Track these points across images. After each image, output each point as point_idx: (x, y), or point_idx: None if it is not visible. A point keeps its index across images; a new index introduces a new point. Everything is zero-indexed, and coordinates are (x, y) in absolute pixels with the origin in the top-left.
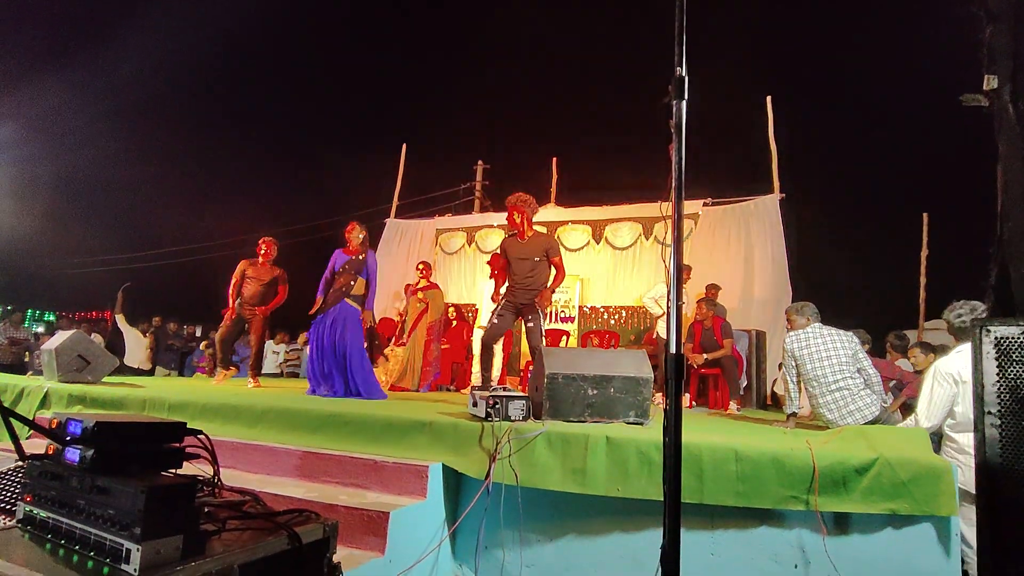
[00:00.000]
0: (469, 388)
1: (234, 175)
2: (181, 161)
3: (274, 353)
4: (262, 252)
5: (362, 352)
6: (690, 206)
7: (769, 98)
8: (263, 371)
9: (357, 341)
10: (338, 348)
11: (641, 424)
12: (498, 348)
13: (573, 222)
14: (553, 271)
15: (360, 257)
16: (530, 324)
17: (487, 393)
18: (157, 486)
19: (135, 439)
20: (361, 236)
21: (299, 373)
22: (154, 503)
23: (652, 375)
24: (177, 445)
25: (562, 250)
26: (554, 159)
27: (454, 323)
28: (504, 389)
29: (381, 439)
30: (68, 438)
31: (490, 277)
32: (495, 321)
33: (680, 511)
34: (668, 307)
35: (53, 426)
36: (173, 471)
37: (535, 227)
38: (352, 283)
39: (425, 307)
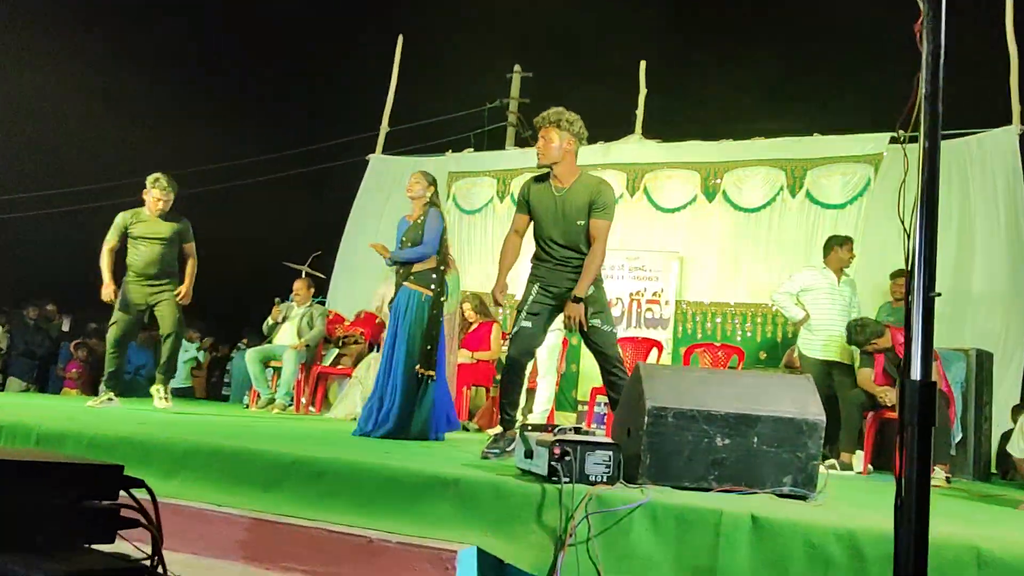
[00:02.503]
0: (519, 428)
1: (137, 78)
2: (61, 61)
3: (185, 359)
4: (152, 197)
5: (421, 356)
6: (860, 142)
7: None
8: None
9: (423, 340)
10: (395, 355)
11: (805, 498)
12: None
13: (670, 165)
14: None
15: (420, 220)
16: (594, 322)
17: (550, 437)
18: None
19: (43, 489)
20: (419, 189)
21: (227, 393)
22: None
23: (823, 417)
24: (110, 503)
25: (654, 212)
26: (641, 64)
27: (474, 324)
28: (576, 431)
29: (378, 504)
30: None
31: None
32: (524, 324)
33: None
34: (911, 302)
35: None
36: (103, 546)
37: (584, 172)
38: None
39: None
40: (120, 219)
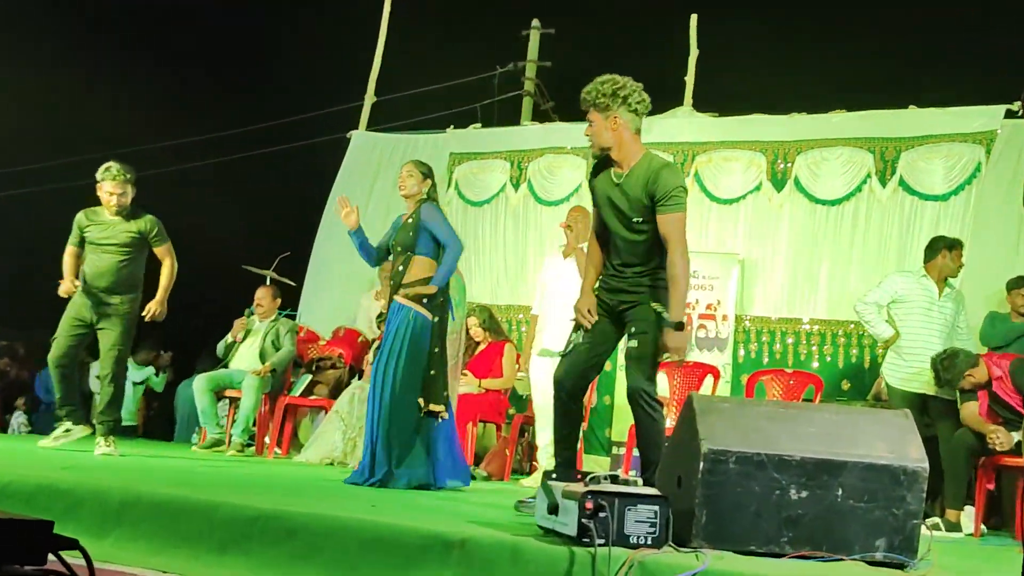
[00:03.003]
0: (535, 476)
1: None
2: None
3: (135, 384)
4: (105, 192)
5: (421, 387)
6: (968, 117)
7: None
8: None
9: (423, 367)
10: (384, 385)
11: (903, 567)
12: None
13: (728, 145)
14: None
15: (411, 220)
16: (632, 344)
17: (580, 487)
18: None
19: None
20: (413, 185)
21: (193, 436)
22: None
23: (926, 464)
24: (35, 570)
25: (708, 203)
26: (691, 18)
27: (481, 344)
28: (612, 479)
29: (363, 570)
30: None
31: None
32: (575, 340)
33: None
34: None
35: None
36: None
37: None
38: (401, 267)
39: None
40: (77, 219)
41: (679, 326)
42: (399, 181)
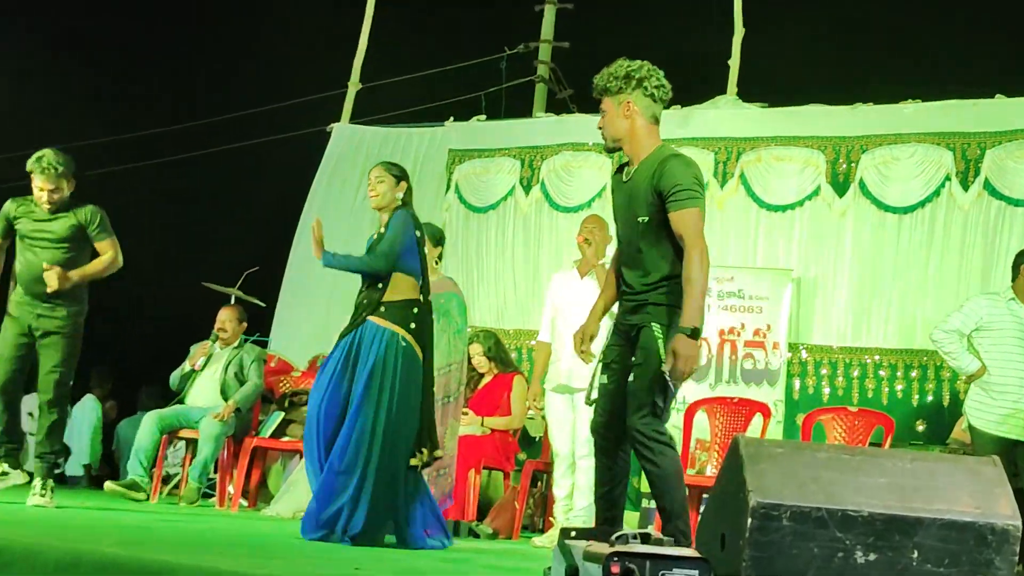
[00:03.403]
0: (551, 534)
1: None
2: None
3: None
4: (39, 187)
5: (409, 428)
6: None
7: None
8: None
9: (394, 401)
10: (375, 424)
11: None
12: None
13: (780, 141)
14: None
15: (381, 231)
16: (633, 369)
17: (603, 548)
18: None
19: None
20: (385, 191)
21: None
22: None
23: (1019, 522)
24: None
25: (756, 209)
26: None
27: (486, 376)
28: (643, 538)
29: None
30: None
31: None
32: (601, 380)
33: None
34: None
35: None
36: None
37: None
38: (380, 282)
39: None
40: (5, 208)
41: (694, 333)
42: (369, 189)
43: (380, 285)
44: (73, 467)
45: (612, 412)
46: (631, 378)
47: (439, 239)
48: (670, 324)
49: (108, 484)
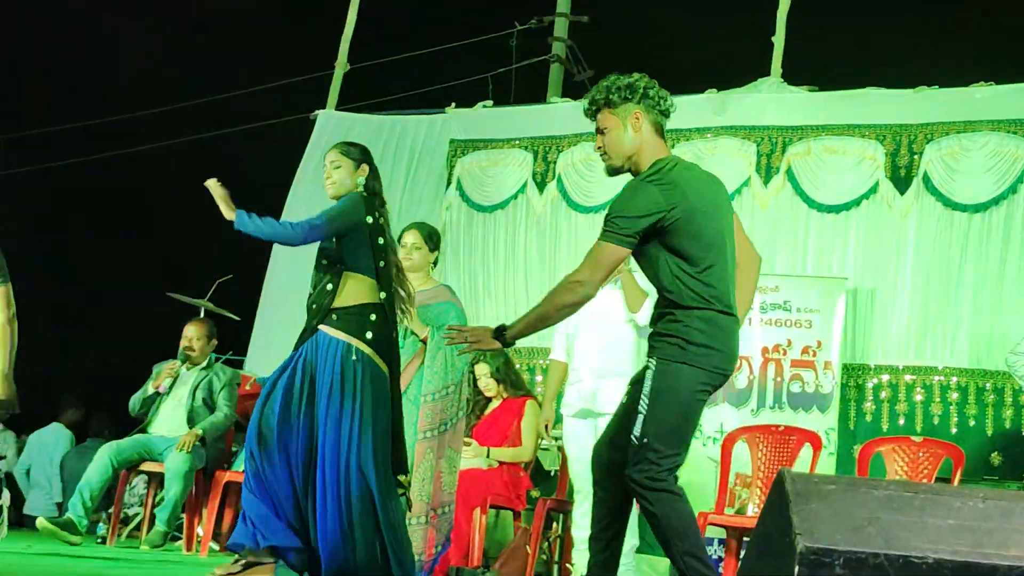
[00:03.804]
0: None
1: None
2: None
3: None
4: None
5: (372, 457)
6: None
7: None
8: None
9: (363, 425)
10: (299, 447)
11: None
12: None
13: (833, 130)
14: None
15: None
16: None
17: None
18: None
19: None
20: (343, 176)
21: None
22: None
23: None
24: None
25: (805, 209)
26: None
27: (495, 400)
28: None
29: None
30: None
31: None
32: (621, 400)
33: None
34: None
35: None
36: None
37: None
38: (330, 285)
39: (423, 354)
40: None
41: (500, 332)
42: (324, 176)
43: (330, 287)
44: (41, 505)
45: (610, 438)
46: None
47: (435, 241)
48: (664, 356)
49: (40, 520)
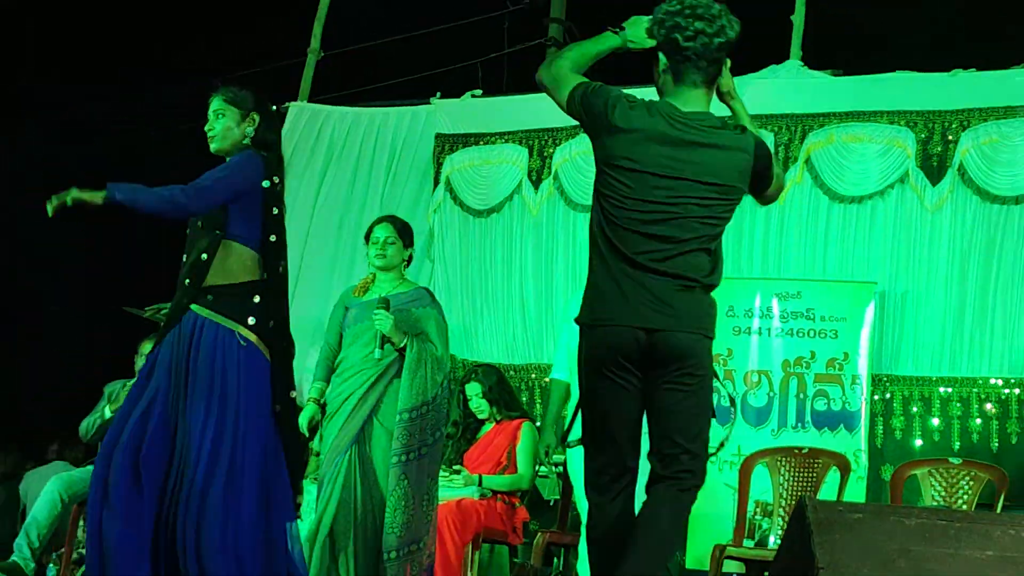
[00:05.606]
0: None
1: None
2: None
3: None
4: None
5: (260, 467)
6: None
7: None
8: None
9: (249, 433)
10: (178, 455)
11: None
12: None
13: (858, 117)
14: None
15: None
16: (685, 400)
17: None
18: None
19: None
20: (229, 124)
21: None
22: None
23: None
24: None
25: (827, 203)
26: None
27: (487, 423)
28: None
29: None
30: None
31: None
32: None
33: None
34: None
35: None
36: None
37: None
38: (205, 255)
39: (397, 365)
40: None
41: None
42: (207, 126)
43: (204, 257)
44: None
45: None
46: (687, 403)
47: (409, 236)
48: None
49: None
